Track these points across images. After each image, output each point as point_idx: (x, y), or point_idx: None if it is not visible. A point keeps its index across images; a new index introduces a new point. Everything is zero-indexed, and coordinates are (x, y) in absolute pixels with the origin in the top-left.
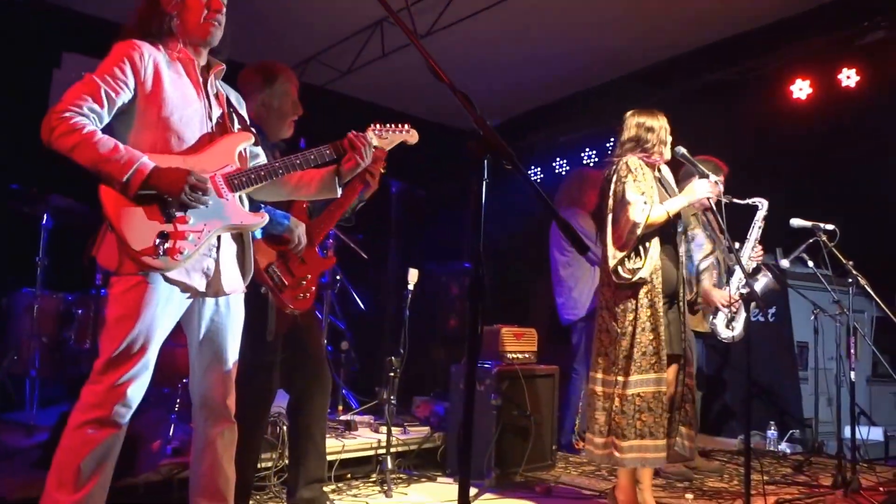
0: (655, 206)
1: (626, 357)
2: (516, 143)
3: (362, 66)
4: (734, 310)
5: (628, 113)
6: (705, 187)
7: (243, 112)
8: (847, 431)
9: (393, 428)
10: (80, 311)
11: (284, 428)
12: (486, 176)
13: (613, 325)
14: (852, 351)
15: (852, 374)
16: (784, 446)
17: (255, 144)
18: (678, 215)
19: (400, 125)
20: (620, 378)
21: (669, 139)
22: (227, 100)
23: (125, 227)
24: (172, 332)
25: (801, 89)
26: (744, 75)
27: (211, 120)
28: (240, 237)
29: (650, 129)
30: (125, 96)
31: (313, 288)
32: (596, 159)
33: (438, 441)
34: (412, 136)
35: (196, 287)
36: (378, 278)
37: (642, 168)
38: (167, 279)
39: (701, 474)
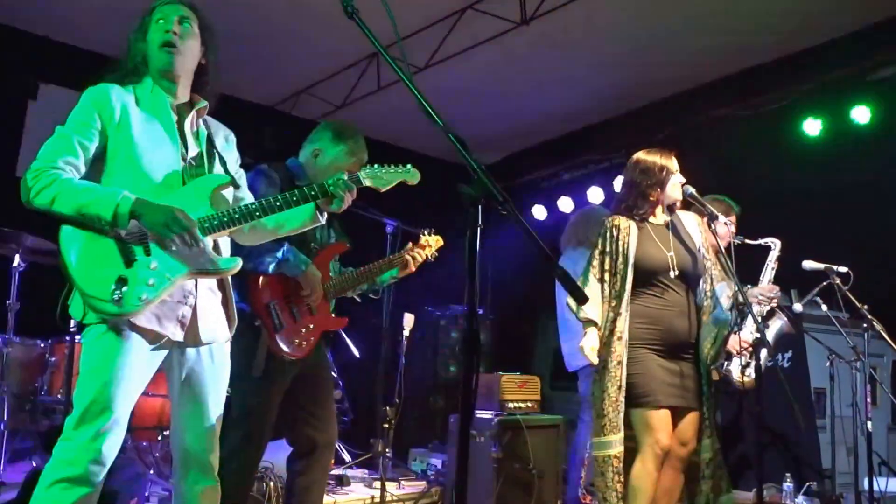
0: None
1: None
2: (519, 181)
3: (357, 100)
4: (748, 356)
5: (637, 153)
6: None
7: (229, 152)
8: (866, 483)
9: (388, 483)
10: (53, 359)
11: (272, 484)
12: (479, 222)
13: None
14: (868, 400)
15: (869, 424)
16: (801, 499)
17: (237, 187)
18: (668, 262)
19: (399, 164)
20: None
21: (675, 180)
22: (209, 138)
23: (82, 273)
24: (150, 381)
25: (812, 126)
26: (754, 111)
27: (185, 161)
28: (221, 284)
29: (645, 172)
30: (97, 142)
31: (313, 339)
32: (602, 197)
33: (436, 496)
34: (412, 176)
35: (169, 336)
36: (373, 323)
37: (618, 230)
38: (137, 328)
39: None
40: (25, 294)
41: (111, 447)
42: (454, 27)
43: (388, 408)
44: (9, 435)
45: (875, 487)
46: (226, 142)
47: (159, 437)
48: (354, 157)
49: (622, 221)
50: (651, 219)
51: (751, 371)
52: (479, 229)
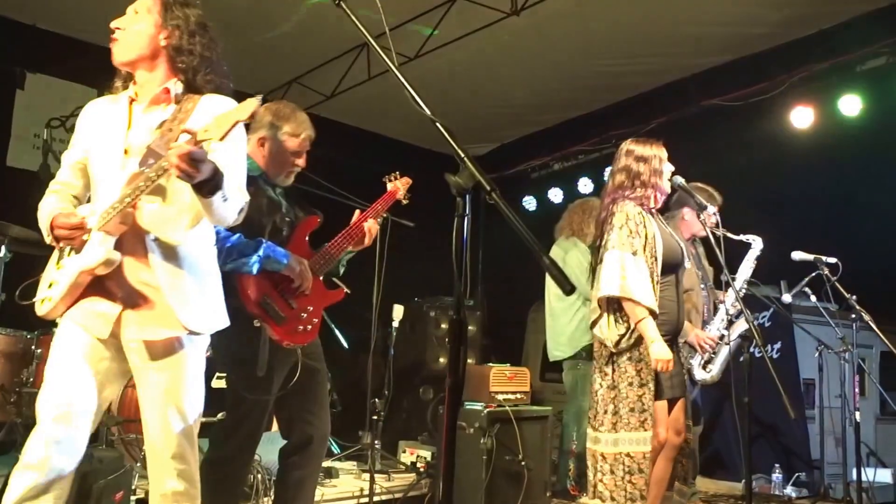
0: (645, 293)
1: (613, 412)
2: (509, 171)
3: (347, 90)
4: (711, 352)
5: (624, 142)
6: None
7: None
8: (855, 474)
9: (377, 475)
10: (38, 351)
11: (259, 476)
12: (466, 211)
13: (602, 378)
14: (856, 390)
15: (858, 414)
16: (790, 490)
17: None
18: (682, 253)
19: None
20: (609, 436)
21: (668, 170)
22: (167, 122)
23: (41, 280)
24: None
25: (801, 117)
26: (743, 101)
27: (127, 152)
28: (174, 277)
29: (642, 160)
30: (83, 154)
31: (315, 320)
32: (592, 187)
33: (426, 489)
34: (242, 111)
35: (91, 332)
36: (361, 314)
37: (642, 217)
38: (73, 325)
39: None
40: (11, 285)
41: (64, 434)
42: (444, 17)
43: (376, 400)
44: None
45: (863, 478)
46: (195, 123)
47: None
48: (300, 136)
49: (641, 210)
50: (651, 208)
51: (712, 367)
52: (466, 218)
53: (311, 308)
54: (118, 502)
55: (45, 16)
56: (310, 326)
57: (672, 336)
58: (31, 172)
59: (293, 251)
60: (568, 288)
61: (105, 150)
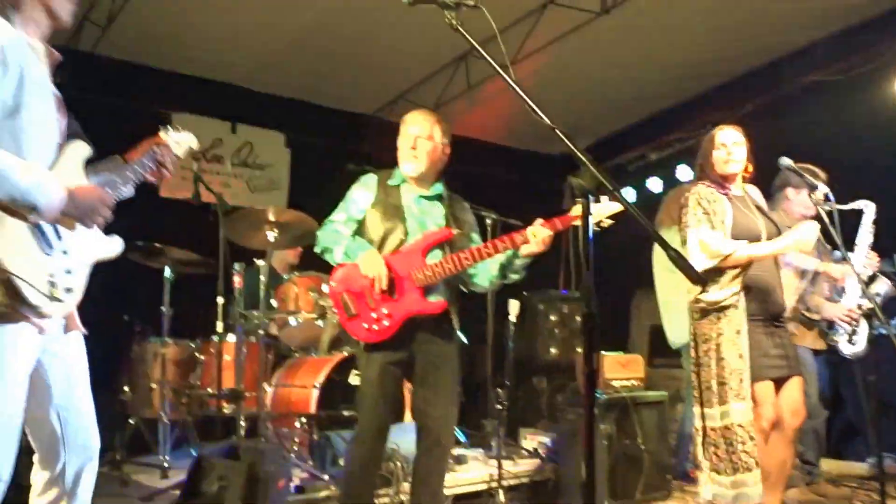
0: (740, 246)
1: (709, 388)
2: (607, 164)
3: (449, 101)
4: (855, 324)
5: None
6: (811, 234)
7: None
8: None
9: (503, 461)
10: (202, 358)
11: (398, 464)
12: (590, 210)
13: (698, 356)
14: None
15: None
16: None
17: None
18: (762, 233)
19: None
20: (715, 410)
21: (729, 156)
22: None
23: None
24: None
25: None
26: (844, 75)
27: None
28: None
29: (700, 151)
30: None
31: (387, 324)
32: (690, 175)
33: (550, 473)
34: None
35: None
36: (477, 309)
37: (714, 196)
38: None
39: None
40: (175, 300)
41: None
42: (537, 23)
43: (499, 390)
44: (170, 426)
45: None
46: None
47: (297, 424)
48: (405, 132)
49: (713, 190)
50: (730, 191)
51: (856, 339)
52: (589, 217)
53: (388, 311)
54: (281, 489)
55: (186, 62)
56: (376, 327)
57: (766, 314)
58: (181, 201)
59: (402, 257)
60: (695, 278)
61: (49, 116)
